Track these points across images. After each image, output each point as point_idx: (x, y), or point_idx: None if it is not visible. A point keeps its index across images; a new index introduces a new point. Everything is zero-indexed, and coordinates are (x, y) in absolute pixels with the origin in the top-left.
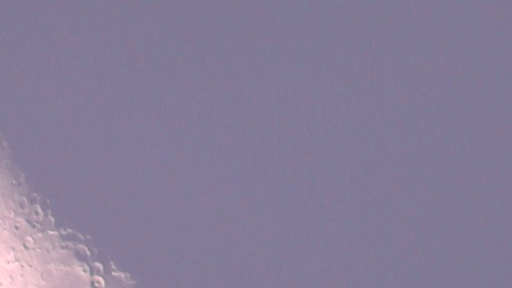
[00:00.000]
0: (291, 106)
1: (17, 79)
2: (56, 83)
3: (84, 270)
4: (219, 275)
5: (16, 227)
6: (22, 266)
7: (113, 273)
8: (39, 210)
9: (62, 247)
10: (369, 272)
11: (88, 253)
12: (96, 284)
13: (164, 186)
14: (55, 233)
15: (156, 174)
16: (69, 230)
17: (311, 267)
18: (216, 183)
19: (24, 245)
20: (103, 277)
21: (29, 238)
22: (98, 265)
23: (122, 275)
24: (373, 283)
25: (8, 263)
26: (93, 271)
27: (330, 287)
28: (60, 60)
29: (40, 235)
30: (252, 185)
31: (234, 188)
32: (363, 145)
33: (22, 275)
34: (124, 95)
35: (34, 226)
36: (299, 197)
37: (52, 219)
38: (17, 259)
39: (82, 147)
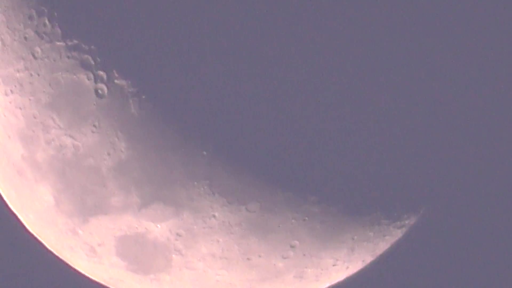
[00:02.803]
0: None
1: None
2: None
3: (89, 78)
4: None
5: (25, 38)
6: (31, 74)
7: (115, 81)
8: (47, 22)
9: (68, 57)
10: None
11: (92, 62)
12: (99, 91)
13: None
14: (62, 43)
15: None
16: (75, 41)
17: None
18: None
19: (33, 55)
20: (106, 85)
21: (38, 49)
22: (102, 73)
23: (124, 82)
24: None
25: (18, 71)
26: (97, 79)
27: None
28: None
29: (47, 45)
30: None
31: None
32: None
33: (31, 82)
34: None
35: (42, 38)
36: None
37: (59, 31)
38: (26, 68)
39: None
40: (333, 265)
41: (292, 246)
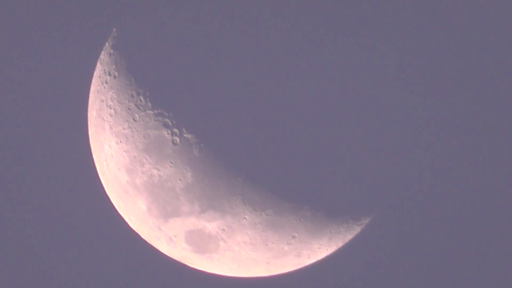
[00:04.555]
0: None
1: None
2: None
3: (168, 133)
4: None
5: (129, 108)
6: (132, 131)
7: (184, 135)
8: (142, 99)
9: (155, 120)
10: None
11: (170, 123)
12: (174, 141)
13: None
14: (151, 112)
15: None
16: (159, 110)
17: None
18: None
19: (133, 119)
20: (178, 137)
21: (136, 115)
22: (176, 130)
23: (190, 136)
24: None
25: (124, 129)
26: (173, 134)
27: None
28: None
29: (142, 113)
30: None
31: None
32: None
33: (132, 136)
34: None
35: (139, 108)
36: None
37: (150, 104)
38: (129, 127)
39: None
40: (318, 248)
41: (293, 237)
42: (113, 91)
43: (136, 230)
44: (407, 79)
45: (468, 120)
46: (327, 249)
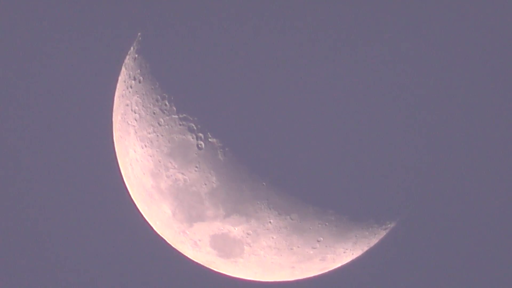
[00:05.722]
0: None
1: None
2: None
3: (193, 138)
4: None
5: (154, 113)
6: (157, 135)
7: (209, 139)
8: (167, 103)
9: (180, 125)
10: None
11: (194, 128)
12: (199, 146)
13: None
14: (176, 116)
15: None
16: (184, 115)
17: None
18: None
19: (158, 123)
20: (203, 141)
21: (161, 119)
22: (201, 135)
23: (214, 140)
24: None
25: (149, 133)
26: (198, 138)
27: None
28: None
29: (167, 117)
30: None
31: None
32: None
33: (157, 140)
34: None
35: (164, 112)
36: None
37: (175, 108)
38: (154, 131)
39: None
40: (344, 252)
41: (318, 241)
42: (138, 95)
43: (161, 235)
44: (427, 84)
45: (485, 122)
46: (352, 253)
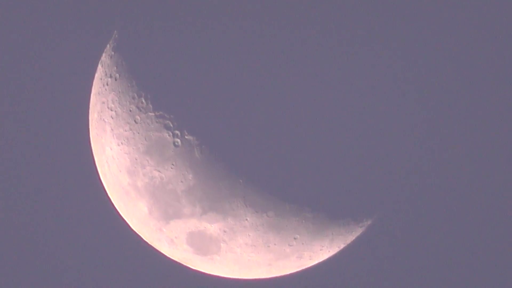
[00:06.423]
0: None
1: None
2: None
3: (169, 135)
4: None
5: (130, 110)
6: (133, 133)
7: (186, 137)
8: (143, 101)
9: (156, 122)
10: None
11: (171, 125)
12: (176, 143)
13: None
14: (152, 114)
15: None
16: (160, 112)
17: None
18: None
19: (135, 121)
20: (179, 139)
21: (138, 117)
22: (177, 132)
23: (191, 137)
24: None
25: (126, 131)
26: (174, 135)
27: None
28: None
29: (143, 115)
30: None
31: None
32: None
33: (133, 138)
34: None
35: (140, 110)
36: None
37: (151, 106)
38: (130, 129)
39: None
40: (320, 250)
41: (295, 238)
42: (114, 93)
43: (137, 232)
44: (409, 80)
45: (470, 122)
46: (328, 251)
